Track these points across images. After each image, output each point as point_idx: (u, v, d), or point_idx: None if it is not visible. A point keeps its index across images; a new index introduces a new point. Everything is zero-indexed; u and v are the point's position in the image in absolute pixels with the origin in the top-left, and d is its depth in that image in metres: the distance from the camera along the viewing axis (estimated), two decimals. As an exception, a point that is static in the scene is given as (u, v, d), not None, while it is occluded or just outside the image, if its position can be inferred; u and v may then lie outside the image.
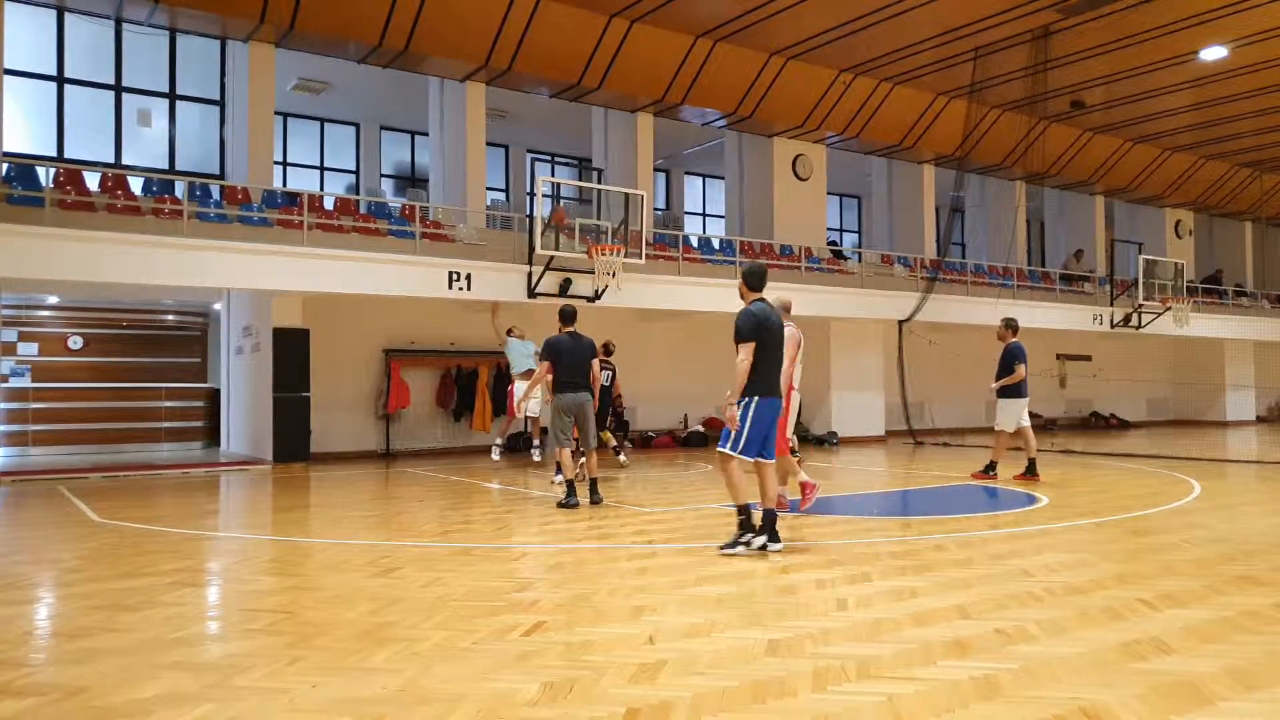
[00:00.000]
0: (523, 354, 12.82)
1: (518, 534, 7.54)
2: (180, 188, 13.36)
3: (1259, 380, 26.69)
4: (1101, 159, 23.21)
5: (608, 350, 13.08)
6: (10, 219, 11.30)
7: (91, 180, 13.18)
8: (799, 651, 4.06)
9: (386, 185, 20.81)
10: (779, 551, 6.38)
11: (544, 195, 14.59)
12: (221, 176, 15.83)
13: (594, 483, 9.22)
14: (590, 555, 6.53)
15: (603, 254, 14.12)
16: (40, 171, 12.93)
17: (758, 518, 6.55)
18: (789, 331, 8.20)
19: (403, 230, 14.67)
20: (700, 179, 24.87)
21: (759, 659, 3.96)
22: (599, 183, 16.39)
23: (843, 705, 3.40)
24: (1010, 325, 11.50)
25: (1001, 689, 3.56)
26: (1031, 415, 11.65)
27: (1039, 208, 26.72)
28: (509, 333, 13.24)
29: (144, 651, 4.13)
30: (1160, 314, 21.80)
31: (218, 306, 17.12)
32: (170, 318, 17.66)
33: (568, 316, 9.36)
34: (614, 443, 13.40)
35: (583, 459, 9.85)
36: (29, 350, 16.37)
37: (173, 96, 16.21)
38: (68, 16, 14.94)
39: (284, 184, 18.33)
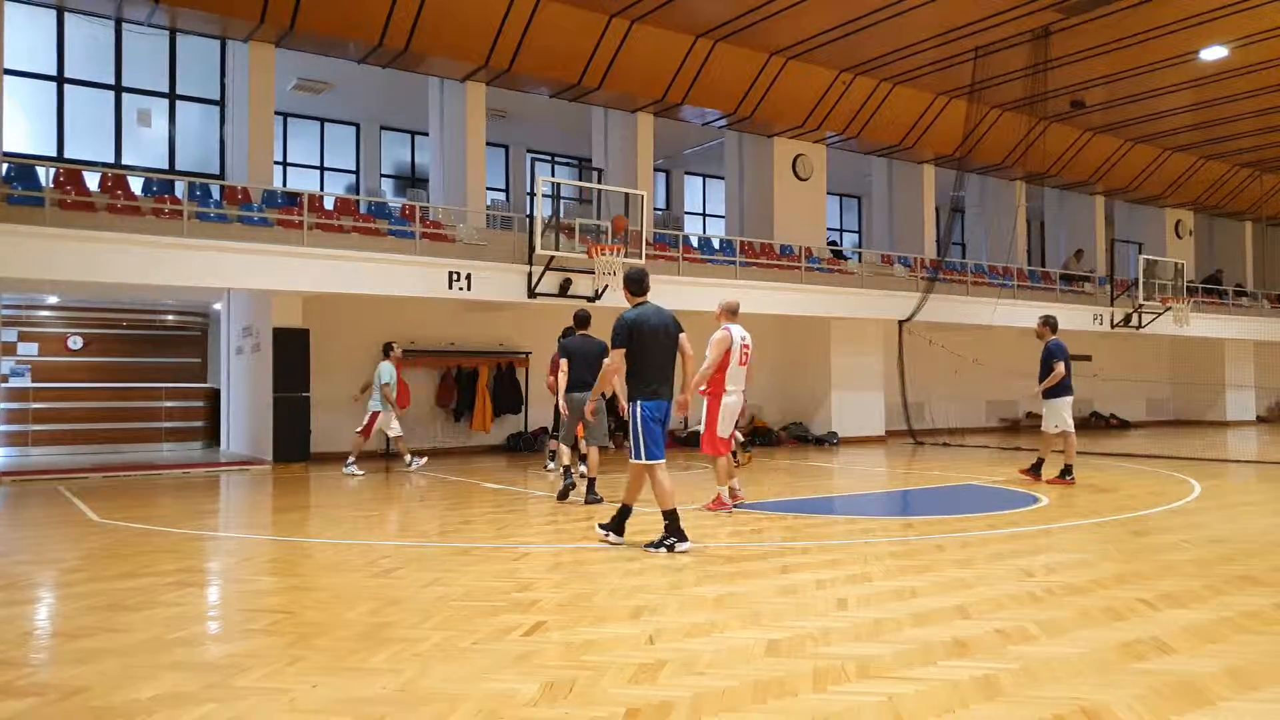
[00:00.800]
0: (390, 374, 12.91)
1: (518, 534, 7.54)
2: (180, 188, 13.36)
3: (1259, 380, 26.68)
4: (1101, 159, 23.21)
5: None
6: (10, 219, 11.30)
7: (91, 180, 13.18)
8: (799, 651, 4.06)
9: (386, 185, 20.81)
10: (685, 551, 6.42)
11: (544, 195, 14.59)
12: (221, 176, 15.83)
13: (591, 482, 9.31)
14: (590, 555, 6.53)
15: (603, 254, 14.12)
16: (40, 171, 12.93)
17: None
18: (719, 335, 8.40)
19: (403, 230, 14.67)
20: (700, 179, 24.87)
21: (759, 659, 3.96)
22: (599, 183, 16.39)
23: (843, 705, 3.40)
24: (1049, 323, 11.20)
25: (1001, 689, 3.56)
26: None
27: (1039, 208, 26.72)
28: (389, 353, 13.07)
29: (144, 651, 4.13)
30: (1160, 314, 21.80)
31: (218, 306, 17.12)
32: (170, 318, 17.66)
33: (582, 321, 9.71)
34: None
35: (583, 456, 9.97)
36: (29, 350, 16.37)
37: (173, 96, 16.21)
38: (68, 16, 14.93)
39: (284, 184, 18.33)
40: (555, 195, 14.67)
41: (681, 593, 5.23)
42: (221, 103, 16.09)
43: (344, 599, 5.14)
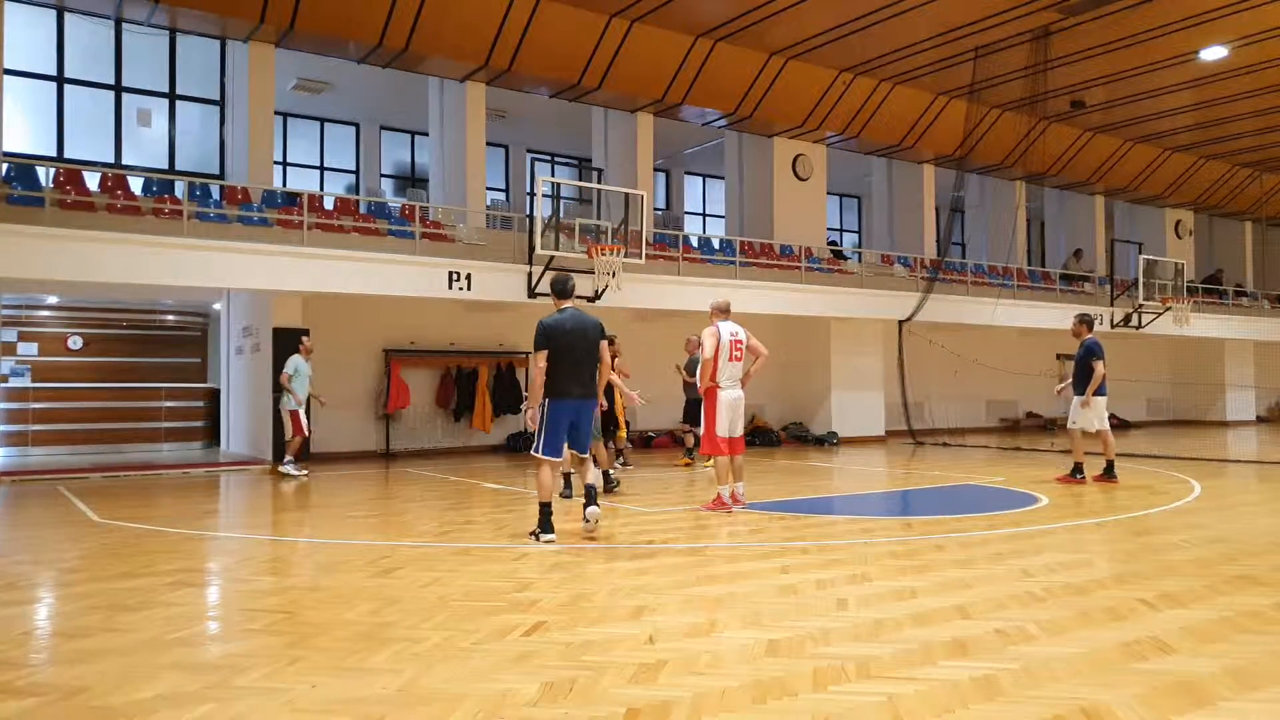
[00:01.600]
0: (295, 366, 12.47)
1: (518, 534, 7.54)
2: (180, 188, 13.36)
3: (1259, 380, 26.69)
4: (1101, 159, 23.21)
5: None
6: (10, 219, 11.30)
7: (91, 180, 13.18)
8: (799, 651, 4.06)
9: (386, 185, 20.81)
10: (549, 541, 6.83)
11: (544, 195, 14.59)
12: (221, 176, 15.83)
13: (606, 474, 9.81)
14: (590, 555, 6.53)
15: (602, 254, 14.12)
16: (40, 171, 12.94)
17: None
18: (708, 332, 8.46)
19: (403, 230, 14.68)
20: (700, 179, 24.87)
21: (759, 659, 3.96)
22: (599, 183, 16.38)
23: (843, 705, 3.40)
24: (1085, 321, 11.08)
25: (1001, 689, 3.56)
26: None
27: (1039, 208, 26.72)
28: (306, 351, 12.67)
29: (144, 651, 4.13)
30: (1160, 314, 21.80)
31: (218, 306, 17.12)
32: (170, 318, 17.66)
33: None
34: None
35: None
36: (29, 350, 16.37)
37: (173, 96, 16.21)
38: (68, 16, 14.94)
39: (284, 184, 18.33)
40: (555, 195, 14.67)
41: (681, 593, 5.23)
42: (221, 103, 16.09)
43: (344, 599, 5.13)
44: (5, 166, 12.40)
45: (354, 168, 20.50)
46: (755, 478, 11.99)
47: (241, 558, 6.69)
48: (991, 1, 15.29)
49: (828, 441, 18.67)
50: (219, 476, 12.84)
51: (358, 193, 19.89)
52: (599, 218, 14.93)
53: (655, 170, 20.09)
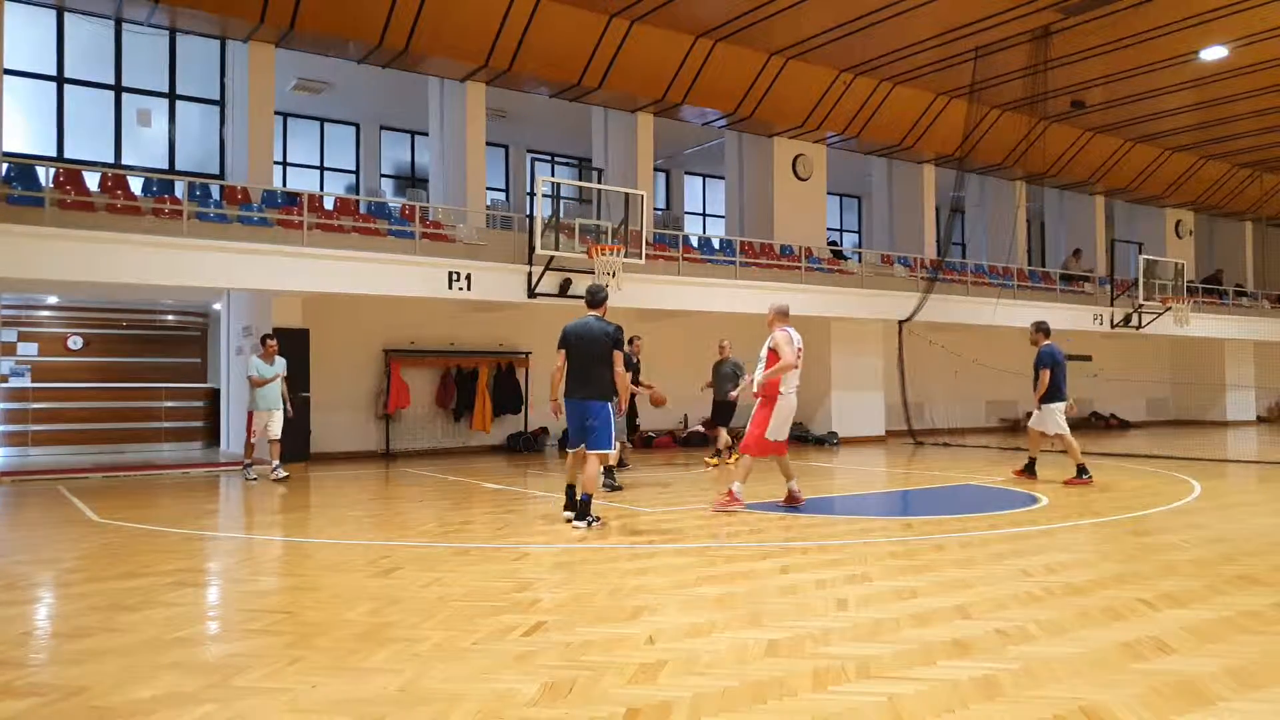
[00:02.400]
0: (257, 368, 11.90)
1: (518, 534, 7.54)
2: (180, 188, 13.35)
3: (1259, 380, 26.68)
4: (1101, 159, 23.21)
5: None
6: (10, 219, 11.29)
7: (91, 180, 13.18)
8: (799, 651, 4.06)
9: (386, 185, 20.81)
10: (581, 528, 7.48)
11: (544, 195, 14.59)
12: (221, 176, 15.83)
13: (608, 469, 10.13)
14: (590, 555, 6.53)
15: (603, 254, 14.12)
16: (40, 171, 12.92)
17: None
18: (784, 335, 8.57)
19: (403, 230, 14.67)
20: (700, 179, 24.87)
21: (759, 659, 3.96)
22: (599, 183, 16.38)
23: (843, 705, 3.40)
24: (1042, 329, 11.37)
25: (1001, 689, 3.56)
26: (1030, 415, 11.61)
27: (1039, 208, 26.72)
28: (274, 349, 12.02)
29: (144, 651, 4.13)
30: (1160, 314, 21.80)
31: (218, 306, 17.11)
32: (170, 318, 17.65)
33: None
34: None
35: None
36: (29, 350, 16.36)
37: (173, 96, 16.20)
38: (68, 16, 14.93)
39: (284, 184, 18.33)
40: (555, 195, 14.67)
41: (681, 593, 5.23)
42: (221, 103, 16.09)
43: (344, 599, 5.14)
44: (5, 166, 12.39)
45: (354, 168, 20.50)
46: (756, 478, 11.97)
47: (241, 558, 6.69)
48: (991, 1, 15.29)
49: (828, 441, 18.67)
50: (219, 476, 12.84)
51: (358, 193, 19.89)
52: (599, 218, 14.92)
53: (655, 170, 20.08)
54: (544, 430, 17.31)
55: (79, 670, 3.87)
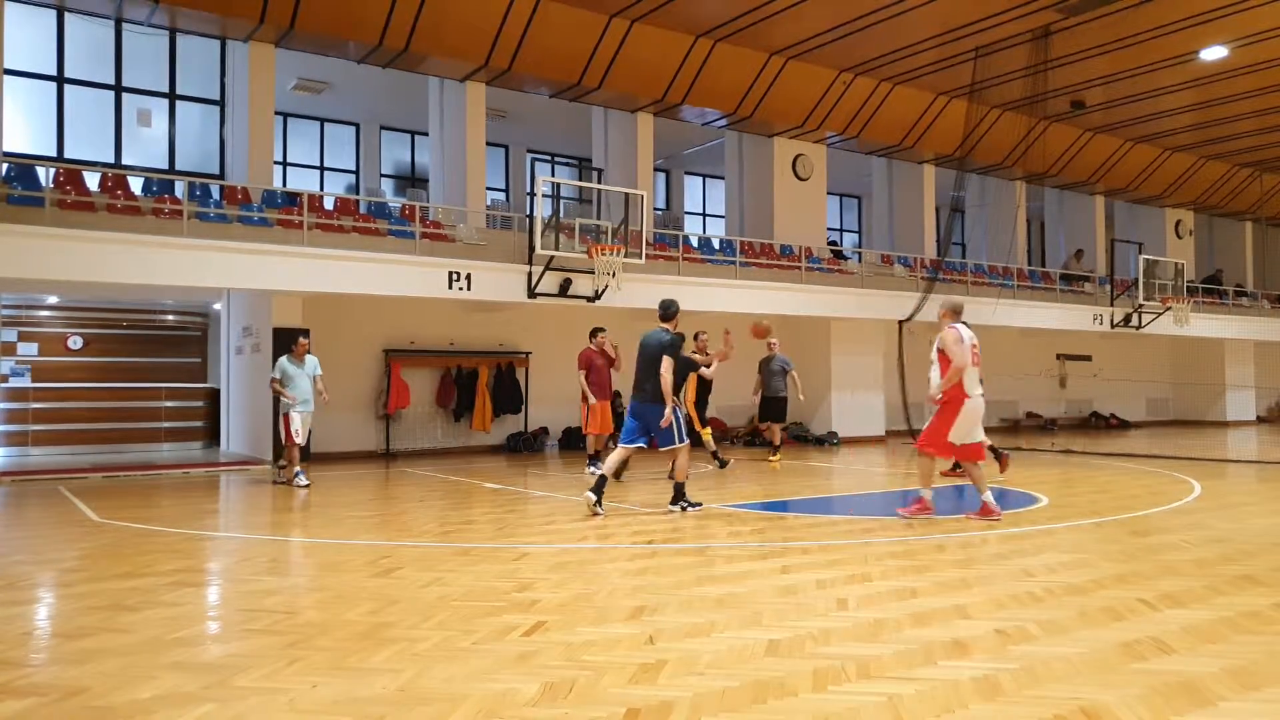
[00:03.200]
0: (282, 369, 11.46)
1: (518, 534, 7.54)
2: (180, 188, 13.35)
3: (1259, 380, 26.68)
4: (1101, 159, 23.20)
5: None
6: (10, 219, 11.29)
7: (91, 180, 13.18)
8: (799, 651, 4.06)
9: (386, 185, 20.81)
10: (674, 511, 8.40)
11: (544, 195, 14.59)
12: (221, 176, 15.83)
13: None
14: (590, 555, 6.53)
15: (602, 254, 14.12)
16: (40, 171, 12.92)
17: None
18: (953, 334, 8.14)
19: (403, 230, 14.67)
20: (700, 179, 24.87)
21: (759, 659, 3.96)
22: (599, 183, 16.39)
23: (843, 705, 3.40)
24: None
25: (1001, 689, 3.56)
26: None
27: (1039, 208, 26.71)
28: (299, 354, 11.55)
29: (144, 651, 4.13)
30: (1160, 314, 21.80)
31: (218, 306, 17.12)
32: (170, 318, 17.65)
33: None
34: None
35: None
36: (29, 350, 16.36)
37: (173, 96, 16.21)
38: (68, 16, 14.93)
39: (284, 184, 18.33)
40: (555, 195, 14.67)
41: (681, 593, 5.23)
42: (221, 103, 16.09)
43: (344, 599, 5.14)
44: (5, 166, 12.39)
45: (354, 168, 20.50)
46: (755, 478, 12.01)
47: (241, 558, 6.69)
48: (991, 1, 15.28)
49: (828, 441, 18.66)
50: (219, 476, 12.84)
51: (358, 193, 19.89)
52: (599, 218, 14.93)
53: (655, 170, 20.08)
54: (544, 430, 17.30)
55: (79, 670, 3.87)
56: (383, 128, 20.59)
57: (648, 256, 15.03)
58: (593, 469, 11.67)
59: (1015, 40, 16.87)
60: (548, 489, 10.67)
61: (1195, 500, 9.30)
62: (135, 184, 13.77)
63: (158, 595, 5.27)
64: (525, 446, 16.77)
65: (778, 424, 14.03)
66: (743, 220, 20.17)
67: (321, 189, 19.22)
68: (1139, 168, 24.03)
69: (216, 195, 13.98)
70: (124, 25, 15.24)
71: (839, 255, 21.07)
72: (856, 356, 19.66)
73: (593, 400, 11.98)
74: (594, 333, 12.23)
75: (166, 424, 16.29)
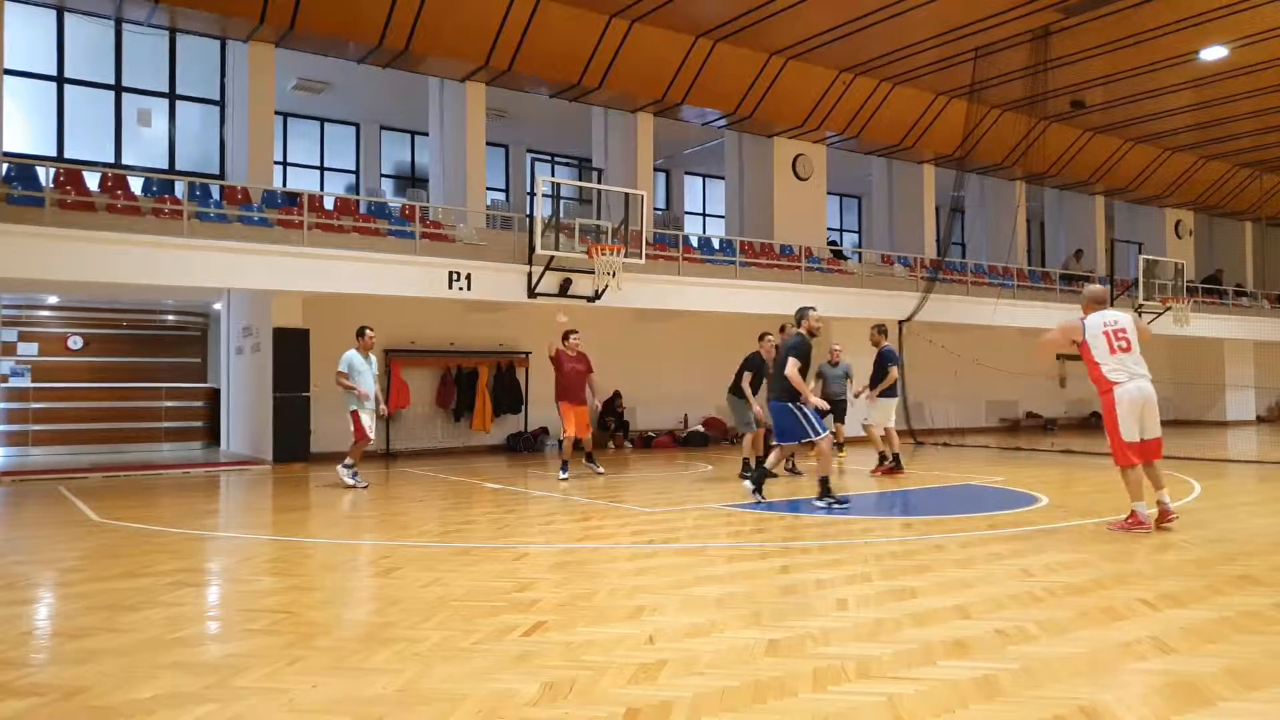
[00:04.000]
0: (349, 362, 11.23)
1: (518, 534, 7.54)
2: (180, 188, 13.36)
3: (1259, 380, 26.68)
4: (1101, 159, 23.21)
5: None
6: (10, 219, 11.30)
7: (91, 180, 13.18)
8: (799, 651, 4.06)
9: (386, 185, 20.81)
10: (821, 506, 8.69)
11: (544, 195, 14.60)
12: (221, 176, 15.83)
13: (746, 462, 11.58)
14: (590, 555, 6.53)
15: (603, 254, 14.13)
16: (40, 171, 12.94)
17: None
18: (1072, 325, 7.56)
19: (403, 230, 14.68)
20: (700, 179, 24.88)
21: (759, 659, 3.96)
22: (599, 183, 16.39)
23: (843, 705, 3.40)
24: (882, 331, 12.90)
25: (1001, 689, 3.56)
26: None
27: (1039, 208, 26.71)
28: (365, 347, 11.26)
29: (144, 651, 4.13)
30: (1160, 314, 21.79)
31: (218, 306, 17.12)
32: (170, 318, 17.65)
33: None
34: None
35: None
36: (29, 350, 16.36)
37: (173, 96, 16.21)
38: (68, 16, 14.94)
39: (284, 184, 18.33)
40: (555, 195, 14.67)
41: (681, 593, 5.23)
42: (221, 103, 16.09)
43: (344, 599, 5.14)
44: (5, 166, 12.40)
45: (354, 168, 20.50)
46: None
47: (241, 558, 6.69)
48: (991, 1, 15.29)
49: (828, 441, 18.62)
50: (219, 476, 12.84)
51: (358, 193, 19.89)
52: (599, 218, 14.93)
53: (655, 170, 20.09)
54: (544, 430, 17.30)
55: (79, 670, 3.87)
56: (383, 128, 20.60)
57: (648, 256, 15.03)
58: (564, 476, 11.43)
59: (1015, 40, 16.88)
60: (548, 489, 10.67)
61: (1195, 500, 9.29)
62: (135, 184, 13.77)
63: (158, 595, 5.27)
64: (525, 446, 16.77)
65: (840, 424, 14.38)
66: (743, 220, 20.18)
67: (321, 189, 19.22)
68: (1139, 168, 24.03)
69: (216, 195, 13.98)
70: (124, 25, 15.24)
71: (839, 255, 21.07)
72: (856, 356, 19.60)
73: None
74: (566, 336, 11.88)
75: (166, 424, 16.30)
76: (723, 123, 19.13)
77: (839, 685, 3.62)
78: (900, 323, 19.34)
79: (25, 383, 16.00)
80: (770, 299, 17.17)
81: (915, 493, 10.84)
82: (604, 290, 14.78)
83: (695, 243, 19.11)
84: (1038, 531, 7.42)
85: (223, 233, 12.79)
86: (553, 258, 14.23)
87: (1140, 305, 21.58)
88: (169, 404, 16.40)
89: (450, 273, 14.03)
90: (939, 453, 16.48)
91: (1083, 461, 14.36)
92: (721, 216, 23.00)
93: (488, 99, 16.91)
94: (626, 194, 14.96)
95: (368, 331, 11.28)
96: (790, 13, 15.55)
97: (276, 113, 16.01)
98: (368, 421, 11.03)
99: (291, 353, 14.04)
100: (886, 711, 3.33)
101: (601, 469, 12.32)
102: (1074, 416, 25.08)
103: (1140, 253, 22.19)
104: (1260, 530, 7.47)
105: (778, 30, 16.33)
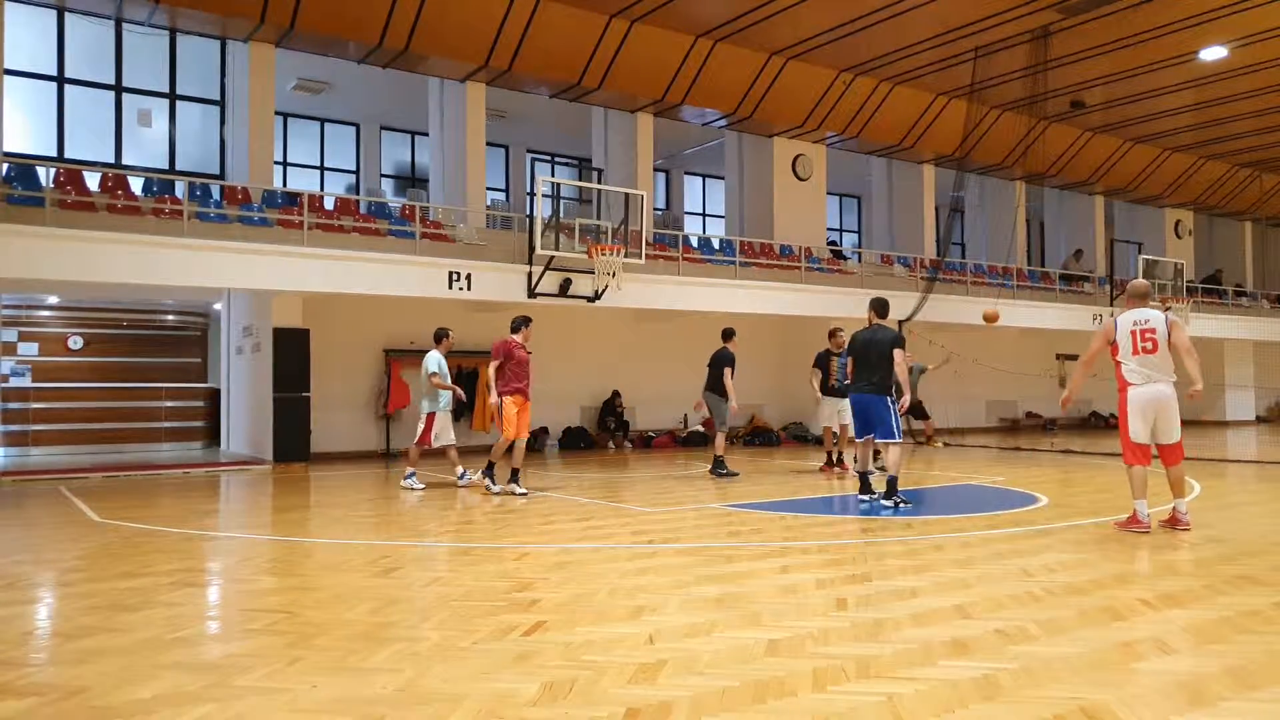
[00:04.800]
0: (439, 364, 11.01)
1: (518, 534, 7.54)
2: (180, 188, 13.36)
3: (1259, 380, 26.68)
4: (1101, 159, 23.21)
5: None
6: (10, 219, 11.30)
7: (91, 180, 13.18)
8: (799, 651, 4.06)
9: (386, 185, 20.82)
10: (889, 506, 8.61)
11: (544, 195, 14.60)
12: (221, 176, 15.83)
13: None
14: (590, 555, 6.53)
15: (602, 254, 14.13)
16: (40, 171, 12.94)
17: (878, 482, 9.21)
18: (1104, 323, 7.65)
19: (403, 230, 14.68)
20: (700, 179, 24.88)
21: (759, 659, 3.96)
22: (599, 183, 16.40)
23: (843, 705, 3.40)
24: (838, 333, 12.96)
25: (1001, 689, 3.56)
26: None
27: (1039, 208, 26.72)
28: (440, 341, 11.14)
29: (144, 651, 4.13)
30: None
31: (218, 306, 17.12)
32: (170, 318, 17.65)
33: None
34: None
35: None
36: (29, 350, 16.36)
37: (173, 96, 16.21)
38: (68, 16, 14.94)
39: (284, 184, 18.33)
40: (555, 195, 14.68)
41: (681, 593, 5.23)
42: (221, 103, 16.09)
43: (344, 599, 5.13)
44: (5, 166, 12.40)
45: (354, 168, 20.50)
46: (754, 478, 12.01)
47: (241, 558, 6.69)
48: (991, 1, 15.29)
49: (828, 441, 18.62)
50: (219, 476, 12.84)
51: (358, 193, 19.89)
52: (599, 218, 14.94)
53: (655, 170, 20.09)
54: (544, 430, 17.30)
55: (79, 670, 3.87)
56: (383, 128, 20.60)
57: (648, 256, 15.04)
58: (490, 482, 10.17)
59: (1015, 40, 16.88)
60: (548, 489, 10.66)
61: (1195, 500, 9.30)
62: (135, 184, 13.77)
63: (157, 595, 5.27)
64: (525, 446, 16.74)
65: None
66: (743, 220, 20.18)
67: (322, 189, 19.22)
68: (1139, 168, 24.03)
69: (216, 195, 13.98)
70: (124, 25, 15.24)
71: (839, 255, 21.07)
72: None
73: (494, 398, 9.77)
74: (522, 323, 10.19)
75: (166, 424, 16.30)
76: (723, 123, 19.13)
77: (839, 685, 3.62)
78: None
79: (25, 383, 16.01)
80: (770, 299, 17.18)
81: (915, 493, 10.84)
82: (604, 290, 14.78)
83: (695, 243, 19.11)
84: (1038, 531, 7.41)
85: (223, 233, 12.79)
86: (553, 258, 14.23)
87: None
88: (169, 404, 16.40)
89: (450, 273, 14.04)
90: (939, 453, 16.48)
91: (1083, 461, 14.35)
92: (721, 216, 23.00)
93: (488, 99, 16.91)
94: (626, 194, 14.96)
95: (450, 334, 11.26)
96: (790, 13, 15.55)
97: (276, 113, 16.02)
98: (445, 426, 10.92)
99: (291, 353, 14.04)
100: (886, 711, 3.33)
101: (524, 489, 10.11)
102: (1074, 416, 25.06)
103: (1140, 253, 22.23)
104: (1260, 530, 7.48)
105: (778, 30, 16.33)
